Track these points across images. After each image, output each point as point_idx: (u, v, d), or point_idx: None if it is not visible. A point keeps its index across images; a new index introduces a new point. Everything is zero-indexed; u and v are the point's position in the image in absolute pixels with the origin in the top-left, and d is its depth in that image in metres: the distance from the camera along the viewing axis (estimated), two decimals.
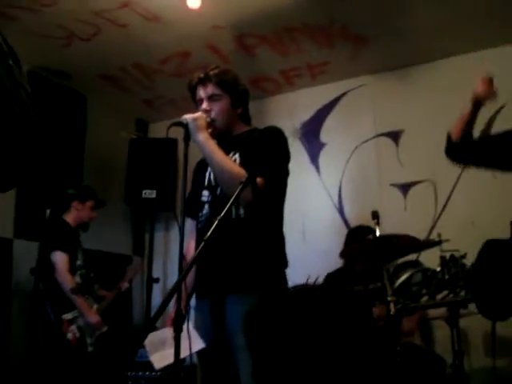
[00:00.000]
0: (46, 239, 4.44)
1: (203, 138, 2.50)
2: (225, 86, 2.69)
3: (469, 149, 2.93)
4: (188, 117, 2.51)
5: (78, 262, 4.54)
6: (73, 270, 4.41)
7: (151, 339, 2.57)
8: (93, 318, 4.37)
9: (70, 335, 4.24)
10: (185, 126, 2.48)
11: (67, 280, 4.27)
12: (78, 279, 4.46)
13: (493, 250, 2.70)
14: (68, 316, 4.28)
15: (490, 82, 2.83)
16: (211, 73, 2.69)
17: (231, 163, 2.50)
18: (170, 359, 2.57)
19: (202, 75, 2.70)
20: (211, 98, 2.68)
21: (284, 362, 0.99)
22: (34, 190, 4.84)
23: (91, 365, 4.34)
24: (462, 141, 2.90)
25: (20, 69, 1.34)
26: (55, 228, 4.54)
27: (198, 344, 2.49)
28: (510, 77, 3.47)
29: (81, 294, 4.35)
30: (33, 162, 1.35)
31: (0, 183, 1.36)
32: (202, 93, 2.71)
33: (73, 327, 4.27)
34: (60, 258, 4.30)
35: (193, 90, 2.76)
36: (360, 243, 4.17)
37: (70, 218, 4.60)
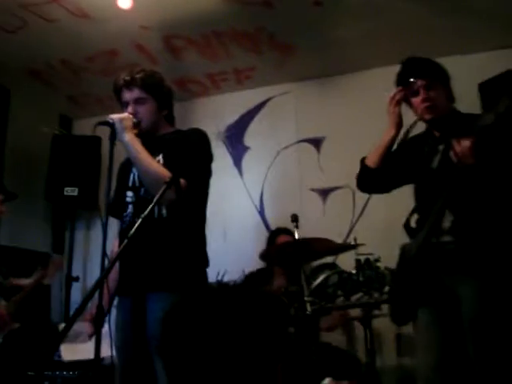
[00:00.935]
0: None
1: (129, 138, 2.54)
2: (150, 90, 2.74)
3: (382, 180, 2.96)
4: (114, 117, 2.55)
5: None
6: None
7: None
8: None
9: None
10: (111, 125, 2.51)
11: None
12: None
13: (402, 255, 2.84)
14: None
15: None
16: (137, 76, 2.73)
17: (156, 164, 2.55)
18: (80, 355, 2.61)
19: (127, 78, 2.73)
20: (137, 102, 2.73)
21: (196, 365, 1.05)
22: None
23: None
24: (379, 169, 2.91)
25: None
26: None
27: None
28: None
29: None
30: None
31: None
32: (127, 96, 2.74)
33: None
34: None
35: (118, 92, 2.79)
36: (279, 245, 4.29)
37: None
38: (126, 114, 2.62)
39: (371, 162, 2.91)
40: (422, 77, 2.74)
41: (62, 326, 4.36)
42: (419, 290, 2.64)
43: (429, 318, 2.65)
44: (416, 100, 2.76)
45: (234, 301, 1.14)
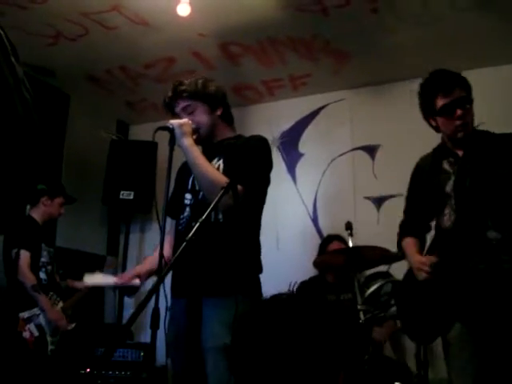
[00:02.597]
0: (10, 235, 4.35)
1: (188, 143, 2.58)
2: (194, 96, 2.76)
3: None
4: (174, 122, 2.60)
5: (43, 259, 4.48)
6: (36, 267, 4.35)
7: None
8: (53, 314, 4.30)
9: (26, 334, 4.13)
10: (171, 130, 2.55)
11: (28, 278, 4.19)
12: (42, 276, 4.41)
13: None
14: (25, 314, 4.19)
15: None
16: (179, 89, 2.77)
17: (213, 170, 2.58)
18: (100, 280, 2.76)
19: (169, 94, 2.81)
20: (186, 111, 2.76)
21: (264, 371, 1.07)
22: (13, 186, 4.82)
23: (50, 365, 4.26)
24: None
25: (20, 66, 1.37)
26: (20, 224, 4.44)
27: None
28: (487, 99, 3.55)
29: (42, 292, 4.28)
30: (34, 161, 1.38)
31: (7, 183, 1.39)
32: (176, 109, 2.80)
33: (30, 326, 4.18)
34: (21, 256, 4.20)
35: (169, 108, 2.85)
36: (332, 252, 4.26)
37: (38, 213, 4.54)
38: (185, 120, 2.66)
39: (403, 247, 3.03)
40: (458, 86, 2.68)
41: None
42: (453, 305, 2.57)
43: (462, 335, 2.57)
44: (446, 120, 2.69)
45: (301, 310, 1.15)
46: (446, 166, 2.77)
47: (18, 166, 1.39)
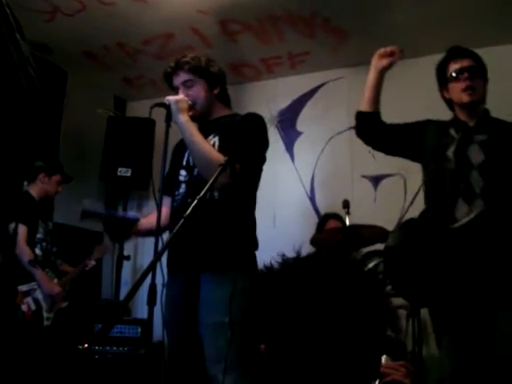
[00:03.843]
0: (7, 210, 4.37)
1: (184, 119, 2.58)
2: (196, 71, 2.76)
3: (379, 129, 3.02)
4: (171, 98, 2.59)
5: (39, 236, 4.50)
6: (32, 242, 4.36)
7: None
8: (53, 288, 4.34)
9: (24, 307, 4.17)
10: (167, 107, 2.55)
11: (24, 252, 4.21)
12: (38, 252, 4.43)
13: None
14: (23, 288, 4.22)
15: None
16: (182, 60, 2.77)
17: (209, 147, 2.58)
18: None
19: (172, 64, 2.79)
20: (185, 85, 2.76)
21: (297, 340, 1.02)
22: (10, 162, 4.83)
23: (45, 338, 4.30)
24: (370, 113, 3.02)
25: (26, 43, 1.37)
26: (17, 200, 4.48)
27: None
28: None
29: (39, 266, 4.31)
30: (33, 137, 1.39)
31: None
32: (176, 81, 2.79)
33: (28, 299, 4.22)
34: (19, 231, 4.21)
35: (168, 79, 2.84)
36: (330, 230, 4.28)
37: (35, 190, 4.55)
38: (181, 96, 2.65)
39: (363, 106, 3.05)
40: (470, 57, 2.77)
41: None
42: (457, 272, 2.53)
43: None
44: (455, 84, 2.75)
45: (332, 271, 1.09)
46: (452, 131, 2.78)
47: (17, 141, 1.40)
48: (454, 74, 2.74)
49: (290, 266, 1.12)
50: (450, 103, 2.87)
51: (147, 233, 2.81)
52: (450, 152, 2.70)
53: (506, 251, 2.45)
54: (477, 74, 2.74)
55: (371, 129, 3.03)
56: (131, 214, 2.81)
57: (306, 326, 1.01)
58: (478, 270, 2.44)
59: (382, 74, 3.03)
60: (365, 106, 3.03)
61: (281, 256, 1.16)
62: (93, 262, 4.88)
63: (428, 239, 2.60)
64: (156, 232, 2.22)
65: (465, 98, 2.72)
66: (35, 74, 1.36)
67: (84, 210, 2.66)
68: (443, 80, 2.83)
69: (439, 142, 2.77)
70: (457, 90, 2.74)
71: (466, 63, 2.73)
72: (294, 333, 1.02)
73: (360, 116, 3.06)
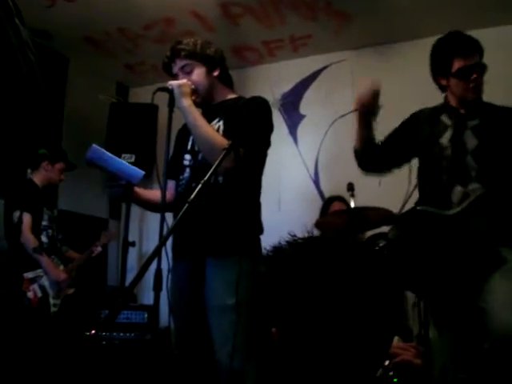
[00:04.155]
0: (11, 198, 4.38)
1: (187, 104, 2.57)
2: (193, 55, 2.75)
3: (375, 156, 3.01)
4: (173, 83, 2.59)
5: (44, 223, 4.50)
6: (37, 230, 4.37)
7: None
8: (59, 275, 4.35)
9: (30, 294, 4.19)
10: (170, 91, 2.54)
11: (29, 240, 4.22)
12: (44, 239, 4.44)
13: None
14: (29, 275, 4.23)
15: (373, 92, 2.95)
16: (177, 47, 2.76)
17: (212, 131, 2.57)
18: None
19: (168, 54, 2.80)
20: (184, 71, 2.76)
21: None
22: (14, 150, 4.81)
23: (52, 325, 4.32)
24: (365, 148, 2.99)
25: (25, 28, 1.36)
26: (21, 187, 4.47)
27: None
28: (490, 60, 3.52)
29: (45, 253, 4.32)
30: (35, 124, 1.38)
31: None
32: (174, 69, 2.79)
33: (34, 286, 4.23)
34: (23, 219, 4.21)
35: (167, 69, 2.85)
36: (334, 213, 4.26)
37: (38, 177, 4.55)
38: (184, 81, 2.65)
39: (357, 145, 3.05)
40: (477, 52, 2.70)
41: None
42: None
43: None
44: (460, 82, 2.70)
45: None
46: (444, 118, 2.79)
47: (20, 128, 1.39)
48: (461, 73, 2.68)
49: (301, 246, 1.11)
50: (443, 88, 2.84)
51: (146, 203, 2.84)
52: (445, 139, 2.71)
53: (504, 232, 2.45)
54: (483, 71, 2.70)
55: (370, 160, 3.08)
56: (135, 172, 2.76)
57: (318, 307, 1.01)
58: (476, 257, 2.45)
59: (364, 118, 3.01)
60: (358, 145, 3.04)
61: (291, 236, 1.15)
62: (99, 249, 4.89)
63: (427, 230, 2.60)
64: (161, 218, 2.21)
65: (470, 96, 2.70)
66: (35, 59, 1.35)
67: (88, 159, 2.67)
68: (443, 70, 2.76)
69: (431, 132, 2.78)
70: (461, 88, 2.71)
71: (473, 61, 2.66)
72: (307, 314, 1.02)
73: (357, 154, 3.10)
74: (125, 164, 2.73)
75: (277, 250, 1.13)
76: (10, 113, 1.31)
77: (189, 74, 2.74)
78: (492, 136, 2.63)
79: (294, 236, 1.15)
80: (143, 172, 2.77)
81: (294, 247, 1.12)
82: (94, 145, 2.70)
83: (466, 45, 2.71)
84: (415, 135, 2.88)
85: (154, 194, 2.81)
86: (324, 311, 1.01)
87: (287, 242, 1.13)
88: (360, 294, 1.02)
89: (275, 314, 1.07)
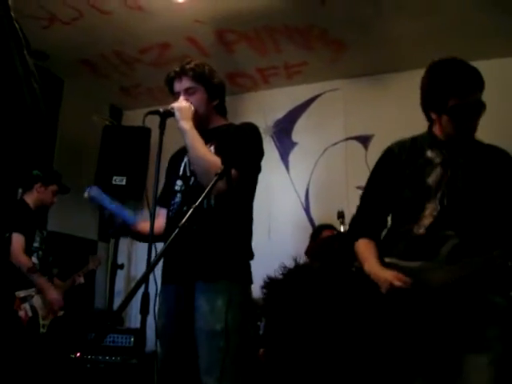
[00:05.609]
0: (1, 218, 4.35)
1: (188, 126, 2.61)
2: (200, 79, 2.77)
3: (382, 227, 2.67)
4: (175, 105, 2.62)
5: (35, 244, 4.48)
6: (29, 251, 4.35)
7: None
8: (53, 294, 4.34)
9: (21, 313, 4.15)
10: (161, 115, 2.56)
11: (23, 261, 4.20)
12: (35, 260, 4.41)
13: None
14: (21, 293, 4.20)
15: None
16: (187, 67, 2.77)
17: (210, 153, 2.59)
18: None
19: (177, 69, 2.78)
20: (187, 92, 2.76)
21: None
22: (6, 170, 4.79)
23: (42, 346, 4.28)
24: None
25: (31, 57, 1.38)
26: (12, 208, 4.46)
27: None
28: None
29: (39, 272, 4.31)
30: (29, 145, 1.39)
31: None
32: (178, 86, 2.79)
33: (25, 305, 4.20)
34: (15, 240, 4.19)
35: (170, 83, 2.84)
36: (324, 239, 4.25)
37: (31, 199, 4.53)
38: (187, 104, 2.67)
39: (358, 250, 2.60)
40: (477, 90, 2.43)
41: None
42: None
43: None
44: (453, 121, 2.42)
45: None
46: (430, 154, 2.52)
47: (14, 150, 1.40)
48: (455, 111, 2.39)
49: (291, 273, 1.17)
50: (432, 121, 2.57)
51: (138, 235, 2.84)
52: (432, 179, 2.45)
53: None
54: (481, 111, 2.41)
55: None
56: (130, 218, 2.82)
57: (306, 328, 1.04)
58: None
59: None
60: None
61: (282, 267, 1.20)
62: (81, 280, 4.84)
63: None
64: (149, 241, 2.21)
65: (460, 135, 2.47)
66: (38, 87, 1.37)
67: (91, 197, 2.75)
68: (435, 105, 2.48)
69: (415, 169, 2.52)
70: (453, 126, 2.44)
71: (472, 98, 2.38)
72: (294, 335, 1.04)
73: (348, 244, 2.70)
74: (120, 211, 2.83)
75: (270, 279, 1.19)
76: (8, 136, 1.32)
77: (190, 95, 2.75)
78: (481, 178, 2.42)
79: (284, 266, 1.21)
80: (136, 220, 2.84)
81: (284, 275, 1.18)
82: (93, 186, 2.79)
83: (465, 80, 2.39)
84: (396, 177, 2.57)
85: (146, 225, 2.79)
86: (311, 332, 1.04)
87: (280, 271, 1.20)
88: (345, 315, 1.06)
89: (265, 336, 1.11)
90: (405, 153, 2.59)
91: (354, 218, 2.76)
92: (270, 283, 1.18)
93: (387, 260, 2.43)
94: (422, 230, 2.42)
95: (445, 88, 2.41)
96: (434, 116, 2.52)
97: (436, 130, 2.56)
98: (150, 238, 2.24)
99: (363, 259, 2.49)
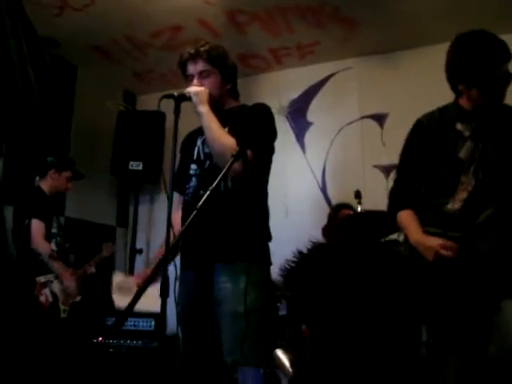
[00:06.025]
0: (21, 205, 4.39)
1: (205, 110, 2.62)
2: (214, 62, 2.75)
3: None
4: (191, 90, 2.62)
5: (53, 230, 4.54)
6: (48, 237, 4.40)
7: (120, 283, 2.70)
8: (69, 281, 4.39)
9: (42, 298, 4.22)
10: (175, 98, 2.55)
11: (44, 247, 4.27)
12: (53, 247, 4.46)
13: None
14: (41, 279, 4.26)
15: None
16: (201, 49, 2.74)
17: (226, 135, 2.59)
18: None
19: (192, 51, 2.75)
20: (201, 74, 2.75)
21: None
22: (21, 157, 4.83)
23: (63, 330, 4.34)
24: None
25: (35, 41, 1.37)
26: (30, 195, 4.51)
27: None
28: None
29: (58, 259, 4.36)
30: (43, 133, 1.38)
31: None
32: (192, 69, 2.77)
33: (45, 290, 4.26)
34: (36, 226, 4.27)
35: (183, 66, 2.82)
36: (342, 219, 4.24)
37: (46, 185, 4.57)
38: (202, 88, 2.66)
39: (401, 221, 2.69)
40: (508, 60, 2.46)
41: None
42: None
43: None
44: (481, 91, 2.48)
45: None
46: (460, 127, 2.55)
47: (27, 137, 1.39)
48: (486, 84, 2.45)
49: (325, 248, 1.15)
50: (459, 93, 2.59)
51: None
52: (463, 153, 2.49)
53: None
54: (510, 81, 2.48)
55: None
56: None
57: (348, 303, 1.03)
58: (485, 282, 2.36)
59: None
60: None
61: (312, 243, 1.19)
62: (92, 269, 4.85)
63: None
64: (167, 226, 2.22)
65: (489, 105, 2.52)
66: (35, 73, 1.36)
67: None
68: (465, 78, 2.51)
69: (446, 143, 2.55)
70: (483, 98, 2.50)
71: (501, 70, 2.44)
72: (337, 311, 1.03)
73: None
74: None
75: (301, 254, 1.17)
76: (14, 123, 1.31)
77: (204, 78, 2.74)
78: (510, 145, 2.46)
79: (315, 242, 1.19)
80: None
81: (317, 250, 1.16)
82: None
83: (494, 52, 2.44)
84: (428, 149, 2.61)
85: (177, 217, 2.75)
86: (353, 308, 1.03)
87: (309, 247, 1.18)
88: (387, 291, 1.05)
89: (307, 311, 1.09)
90: (434, 124, 2.64)
91: (393, 191, 2.81)
92: (300, 258, 1.16)
93: (431, 230, 2.53)
94: (457, 205, 2.50)
95: (474, 60, 2.45)
96: (461, 88, 2.56)
97: (463, 101, 2.59)
98: (167, 221, 2.24)
99: (407, 229, 2.61)
